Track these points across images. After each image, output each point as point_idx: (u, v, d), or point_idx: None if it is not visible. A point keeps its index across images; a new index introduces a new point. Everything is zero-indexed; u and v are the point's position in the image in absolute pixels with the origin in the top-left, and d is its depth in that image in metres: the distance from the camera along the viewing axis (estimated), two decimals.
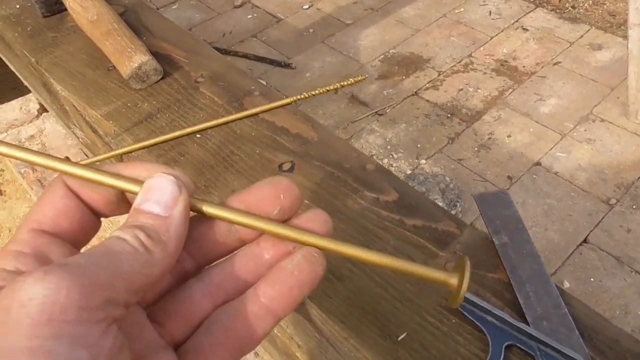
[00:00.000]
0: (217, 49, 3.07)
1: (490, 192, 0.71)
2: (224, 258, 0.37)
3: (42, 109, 1.56)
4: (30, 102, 1.55)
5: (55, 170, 0.34)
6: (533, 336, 0.56)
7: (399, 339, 0.59)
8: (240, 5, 3.45)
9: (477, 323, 0.59)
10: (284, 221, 0.36)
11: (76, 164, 0.34)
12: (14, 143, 0.36)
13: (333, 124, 2.59)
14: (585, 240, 2.00)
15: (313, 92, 0.88)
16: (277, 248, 0.36)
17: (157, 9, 3.39)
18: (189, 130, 0.82)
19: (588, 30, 3.00)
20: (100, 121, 0.86)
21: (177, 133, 0.81)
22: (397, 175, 2.32)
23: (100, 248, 0.29)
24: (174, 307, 0.35)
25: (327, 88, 0.88)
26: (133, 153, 0.80)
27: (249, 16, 3.37)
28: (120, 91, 0.90)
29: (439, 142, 2.46)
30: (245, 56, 3.04)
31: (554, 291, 0.61)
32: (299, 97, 0.87)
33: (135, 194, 0.33)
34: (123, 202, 0.36)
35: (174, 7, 3.46)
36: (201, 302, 0.35)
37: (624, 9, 3.05)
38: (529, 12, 3.17)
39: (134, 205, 0.33)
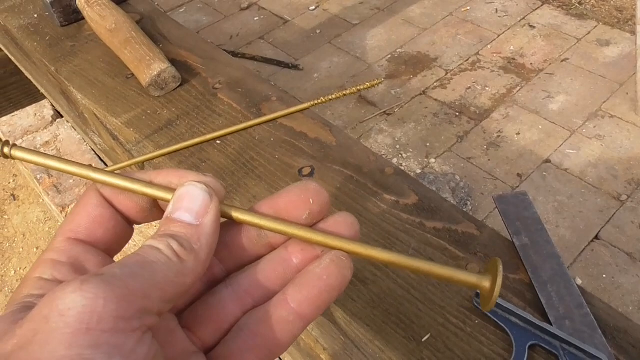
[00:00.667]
0: (224, 51, 3.09)
1: (510, 194, 0.72)
2: (253, 264, 0.37)
3: (57, 115, 1.57)
4: (45, 108, 1.57)
5: (89, 179, 0.35)
6: (556, 336, 0.57)
7: (423, 340, 0.60)
8: (247, 8, 3.46)
9: (500, 323, 0.60)
10: (312, 225, 0.36)
11: (110, 172, 0.35)
12: (48, 153, 0.37)
13: (342, 124, 2.60)
14: (596, 237, 2.00)
15: (330, 97, 0.89)
16: (305, 252, 0.36)
17: (165, 12, 3.40)
18: (209, 136, 0.83)
19: (595, 27, 2.99)
20: (121, 129, 0.87)
21: (197, 140, 0.83)
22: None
23: (134, 258, 0.30)
24: (203, 313, 0.36)
25: (344, 92, 0.89)
26: (154, 160, 0.82)
27: (256, 18, 3.38)
28: (139, 99, 0.92)
29: (448, 141, 2.46)
30: (253, 58, 3.05)
31: (576, 291, 0.61)
32: (316, 101, 0.88)
33: (168, 202, 0.34)
34: (156, 209, 0.37)
35: (181, 10, 3.47)
36: (230, 307, 0.36)
37: (631, 4, 3.05)
38: (536, 9, 3.17)
39: (166, 214, 0.34)
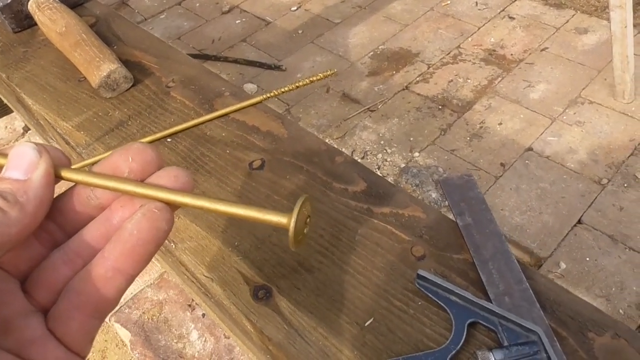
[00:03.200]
0: (207, 55, 3.09)
1: (455, 176, 0.72)
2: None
3: (28, 127, 1.57)
4: (16, 120, 1.56)
5: None
6: (494, 312, 0.57)
7: (366, 324, 0.60)
8: (229, 11, 3.46)
9: (441, 304, 0.60)
10: None
11: None
12: None
13: (326, 122, 2.60)
14: (579, 221, 2.00)
15: (283, 89, 0.89)
16: (124, 209, 0.37)
17: (145, 19, 3.41)
18: (159, 135, 0.83)
19: (573, 15, 3.00)
20: (72, 132, 0.87)
21: (147, 138, 0.82)
22: (391, 169, 2.33)
23: None
24: (38, 276, 0.37)
25: (297, 84, 0.89)
26: None
27: (238, 21, 3.37)
28: (91, 101, 0.91)
29: (431, 134, 2.46)
30: (236, 61, 3.05)
31: (516, 267, 0.61)
32: (267, 95, 0.88)
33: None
34: None
35: (162, 16, 3.47)
36: (62, 269, 0.37)
37: None
38: (515, 1, 3.17)
39: None
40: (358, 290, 0.63)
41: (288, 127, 0.84)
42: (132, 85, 0.93)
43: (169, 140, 0.83)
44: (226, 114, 0.86)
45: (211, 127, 0.85)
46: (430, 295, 0.60)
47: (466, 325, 0.57)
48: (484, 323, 0.57)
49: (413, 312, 0.61)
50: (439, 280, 0.60)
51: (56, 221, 0.38)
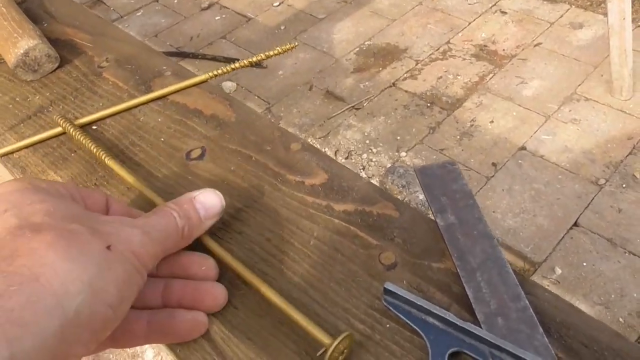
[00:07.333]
0: (184, 53, 2.96)
1: (435, 164, 0.58)
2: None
3: None
4: None
5: None
6: (484, 339, 0.43)
7: (318, 354, 0.46)
8: (208, 7, 3.34)
9: (414, 327, 0.46)
10: None
11: None
12: None
13: (309, 121, 2.49)
14: (575, 224, 1.91)
15: (233, 66, 0.75)
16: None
17: (121, 16, 3.28)
18: (83, 120, 0.69)
19: (568, 10, 2.92)
20: None
21: (68, 127, 0.69)
22: (376, 169, 2.20)
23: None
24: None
25: (250, 60, 0.76)
26: (14, 154, 0.68)
27: (217, 17, 3.26)
28: (9, 85, 0.78)
29: (419, 133, 2.36)
30: (214, 59, 2.93)
31: (512, 279, 0.48)
32: (215, 72, 0.74)
33: None
34: None
35: (138, 14, 3.34)
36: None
37: None
38: None
39: (191, 195, 0.48)
40: (310, 309, 0.50)
41: (237, 110, 0.70)
42: (59, 67, 0.79)
43: (94, 127, 0.70)
44: (164, 96, 0.73)
45: (146, 112, 0.71)
46: (401, 316, 0.46)
47: (447, 356, 0.43)
48: (470, 353, 0.43)
49: (379, 338, 0.47)
50: (411, 297, 0.46)
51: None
